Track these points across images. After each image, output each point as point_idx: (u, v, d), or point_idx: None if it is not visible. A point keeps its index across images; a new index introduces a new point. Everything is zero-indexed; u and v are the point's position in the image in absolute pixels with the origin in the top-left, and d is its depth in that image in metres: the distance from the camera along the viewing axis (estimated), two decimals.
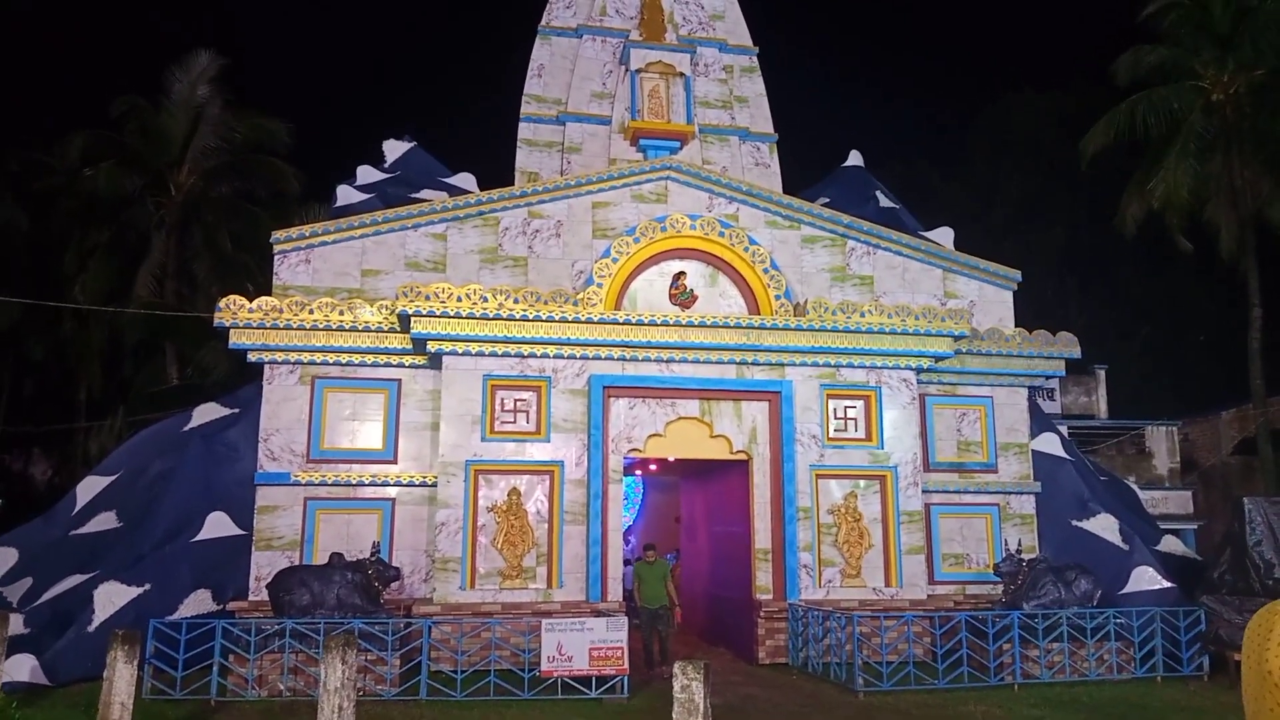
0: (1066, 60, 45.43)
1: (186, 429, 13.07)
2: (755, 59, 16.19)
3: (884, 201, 16.15)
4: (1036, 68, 44.01)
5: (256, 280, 20.41)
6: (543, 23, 15.78)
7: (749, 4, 16.59)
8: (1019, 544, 12.20)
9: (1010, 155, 33.58)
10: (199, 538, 11.41)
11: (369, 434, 12.16)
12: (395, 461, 12.13)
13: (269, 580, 10.48)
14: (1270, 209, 19.48)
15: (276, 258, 12.65)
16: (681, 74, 15.12)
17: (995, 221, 31.55)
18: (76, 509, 12.80)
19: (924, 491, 12.78)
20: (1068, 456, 14.07)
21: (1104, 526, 13.02)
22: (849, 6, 57.06)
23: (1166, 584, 12.11)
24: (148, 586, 10.70)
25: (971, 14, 54.54)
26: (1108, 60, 20.97)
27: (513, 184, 14.23)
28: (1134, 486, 16.43)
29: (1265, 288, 20.01)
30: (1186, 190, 19.28)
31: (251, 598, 11.26)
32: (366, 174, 14.94)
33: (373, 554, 10.70)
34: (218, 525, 11.56)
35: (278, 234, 12.76)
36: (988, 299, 14.21)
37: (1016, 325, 14.02)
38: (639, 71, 15.04)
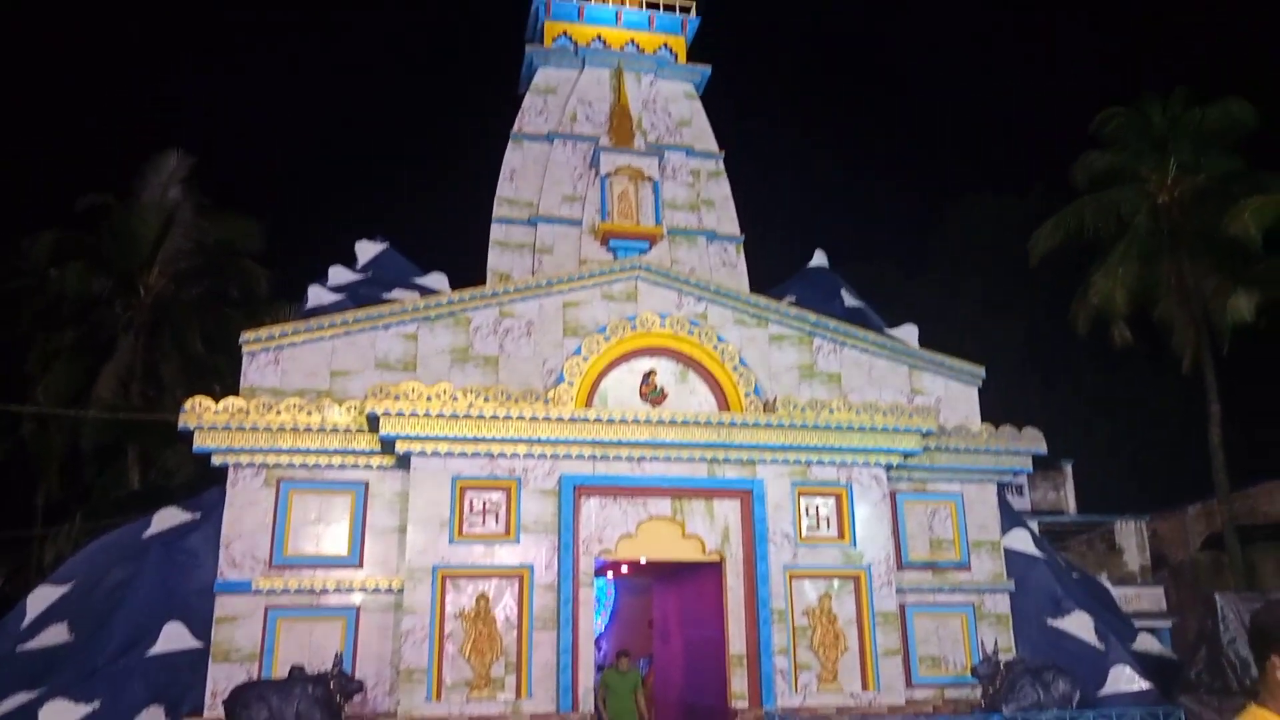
0: (1025, 165, 47.30)
1: (146, 535, 12.69)
2: (721, 163, 16.69)
3: (849, 300, 16.47)
4: (996, 172, 45.77)
5: (225, 381, 20.22)
6: (515, 129, 16.21)
7: (715, 110, 17.21)
8: (995, 644, 12.06)
9: (971, 255, 34.61)
10: (154, 651, 10.96)
11: (334, 538, 11.89)
12: (361, 566, 11.83)
13: (226, 696, 10.06)
14: (1220, 308, 20.12)
15: (245, 358, 12.57)
16: (650, 178, 15.53)
17: (957, 319, 32.26)
18: (26, 621, 12.27)
19: (898, 591, 12.66)
20: (1039, 554, 14.06)
21: (1079, 625, 12.93)
22: (812, 111, 59.33)
23: (1145, 685, 11.98)
24: (97, 704, 10.21)
25: (933, 119, 56.91)
26: (1064, 166, 21.96)
27: (484, 284, 14.36)
28: (1106, 584, 16.41)
29: (1222, 383, 20.50)
30: (1128, 290, 19.97)
31: (208, 714, 10.76)
32: (338, 275, 15.01)
33: (335, 666, 10.34)
34: (175, 637, 11.12)
35: (247, 334, 12.70)
36: (954, 395, 14.39)
37: (983, 421, 14.17)
38: (609, 175, 15.42)
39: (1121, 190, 20.86)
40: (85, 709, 10.10)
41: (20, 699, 10.64)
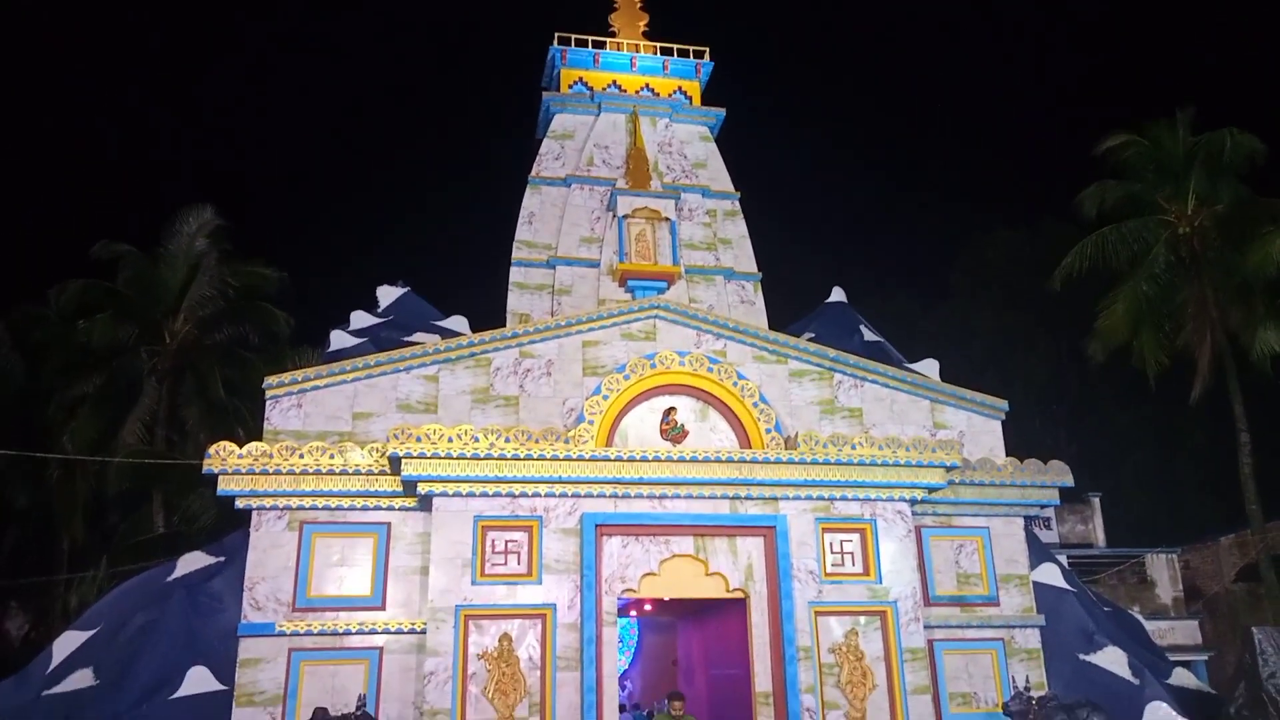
0: (1038, 198, 47.34)
1: (170, 579, 12.74)
2: (737, 203, 16.84)
3: (868, 335, 16.46)
4: (1010, 204, 45.81)
5: (248, 425, 20.41)
6: (533, 173, 16.45)
7: (731, 151, 17.42)
8: (1027, 681, 11.82)
9: (988, 289, 34.52)
10: (178, 694, 10.94)
11: (357, 580, 11.89)
12: (384, 608, 11.82)
13: None
14: (1246, 336, 19.93)
15: (268, 402, 12.70)
16: (667, 218, 15.68)
17: (977, 353, 32.11)
18: (52, 667, 12.30)
19: (926, 627, 12.47)
20: (1069, 587, 13.83)
21: (1113, 660, 12.67)
22: (827, 149, 59.80)
23: None
24: None
25: (947, 154, 57.18)
26: (1071, 197, 21.90)
27: (504, 325, 14.48)
28: (1139, 617, 16.08)
29: (1250, 412, 20.24)
30: (1150, 320, 19.79)
31: None
32: (360, 319, 15.20)
33: (358, 708, 10.27)
34: (198, 681, 11.11)
35: (270, 379, 12.85)
36: (976, 429, 14.29)
37: (1007, 455, 14.04)
38: (626, 217, 15.59)
39: (1142, 221, 20.78)
40: None
41: None
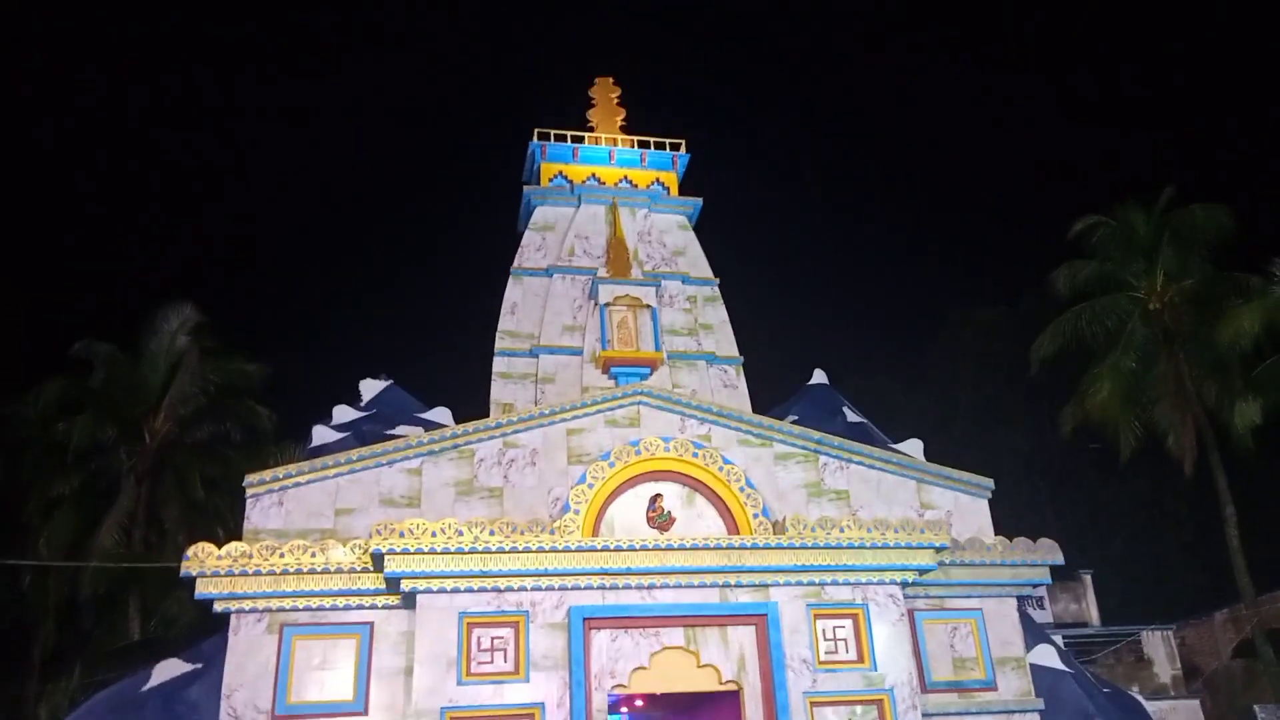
0: (1012, 276, 48.30)
1: (145, 689, 12.29)
2: (717, 289, 17.07)
3: (851, 416, 16.51)
4: (986, 282, 46.65)
5: (227, 524, 20.08)
6: (515, 264, 16.66)
7: (709, 238, 17.74)
8: None
9: (967, 367, 34.86)
10: None
11: (339, 683, 11.54)
12: (366, 713, 11.44)
13: None
14: (1226, 411, 20.13)
15: (249, 501, 12.51)
16: (648, 305, 15.86)
17: (958, 431, 32.25)
18: None
19: (924, 715, 12.19)
20: (1067, 669, 13.62)
21: None
22: (806, 233, 60.98)
23: None
24: None
25: (923, 234, 58.39)
26: (1048, 273, 22.36)
27: (488, 416, 14.45)
28: (1139, 697, 15.79)
29: (1234, 484, 20.31)
30: (1126, 396, 20.01)
31: None
32: (342, 413, 15.12)
33: None
34: None
35: (250, 477, 12.69)
36: (964, 508, 14.25)
37: (996, 533, 13.98)
38: (608, 305, 15.75)
39: (1113, 298, 21.23)
40: None
41: None
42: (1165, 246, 20.75)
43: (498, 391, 15.32)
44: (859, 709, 11.95)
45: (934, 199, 60.39)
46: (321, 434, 14.36)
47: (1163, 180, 21.69)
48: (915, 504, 14.07)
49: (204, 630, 14.38)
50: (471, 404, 15.94)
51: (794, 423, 14.83)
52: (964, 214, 57.70)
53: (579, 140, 18.21)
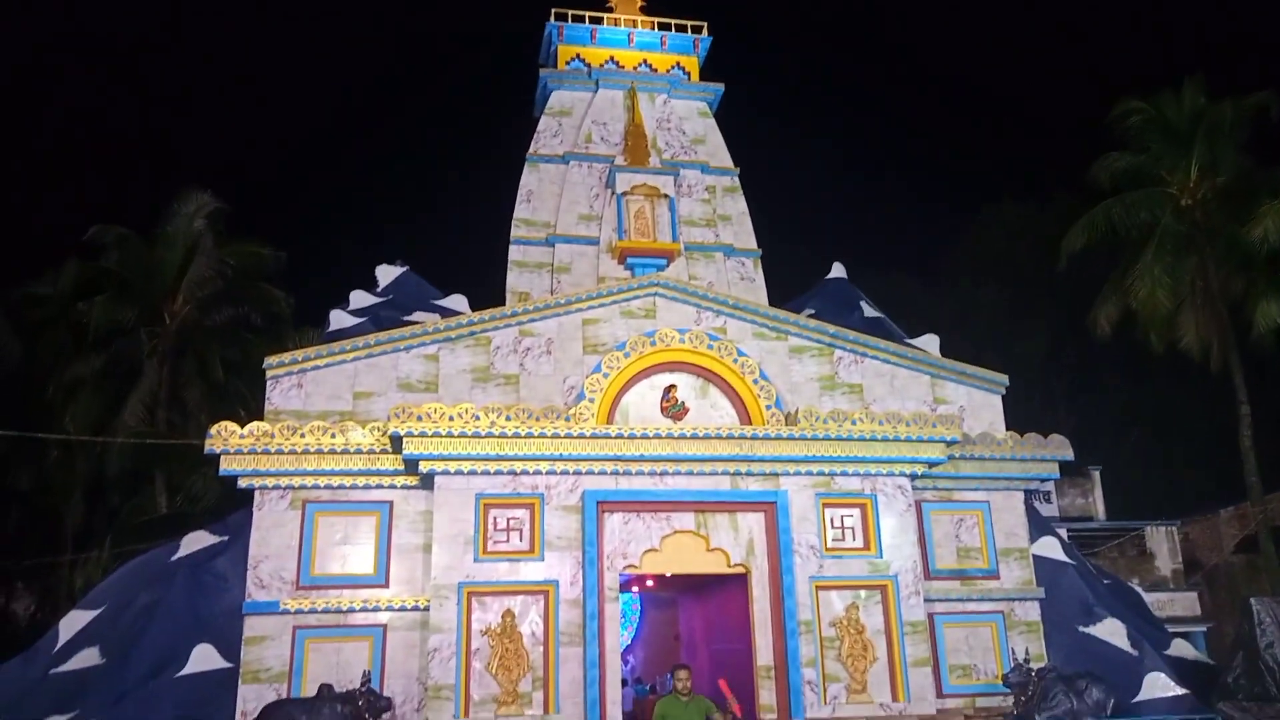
0: (1044, 172, 47.14)
1: (174, 559, 12.81)
2: (736, 179, 16.77)
3: (868, 311, 16.45)
4: (1015, 179, 45.56)
5: (249, 406, 20.43)
6: (531, 151, 16.37)
7: (730, 126, 17.32)
8: (1027, 653, 11.93)
9: (989, 264, 34.41)
10: (184, 672, 11.04)
11: (360, 558, 11.97)
12: (387, 585, 11.90)
13: (255, 715, 10.11)
14: (1248, 309, 19.90)
15: (269, 382, 12.72)
16: (666, 195, 15.62)
17: (977, 330, 32.05)
18: (58, 646, 12.40)
19: (926, 600, 12.56)
20: (1069, 560, 13.91)
21: (1112, 632, 12.76)
22: (828, 124, 59.46)
23: (1181, 690, 11.78)
24: None
25: (953, 128, 56.85)
26: (1083, 171, 21.79)
27: (504, 304, 14.48)
28: (1138, 589, 16.18)
29: (1251, 385, 20.25)
30: (1157, 294, 19.74)
31: None
32: (359, 298, 15.19)
33: (363, 684, 10.38)
34: (204, 659, 11.20)
35: (270, 359, 12.87)
36: (977, 404, 14.32)
37: (1007, 429, 14.08)
38: (625, 194, 15.53)
39: (1145, 193, 20.70)
40: None
41: None
42: (1200, 140, 20.10)
43: (513, 280, 15.29)
44: (863, 594, 12.30)
45: (964, 92, 58.51)
46: (339, 319, 14.46)
47: (1203, 69, 20.85)
48: (929, 399, 14.14)
49: (229, 506, 14.86)
50: (487, 292, 15.96)
51: (810, 316, 14.80)
52: (995, 109, 55.93)
53: (597, 21, 17.62)
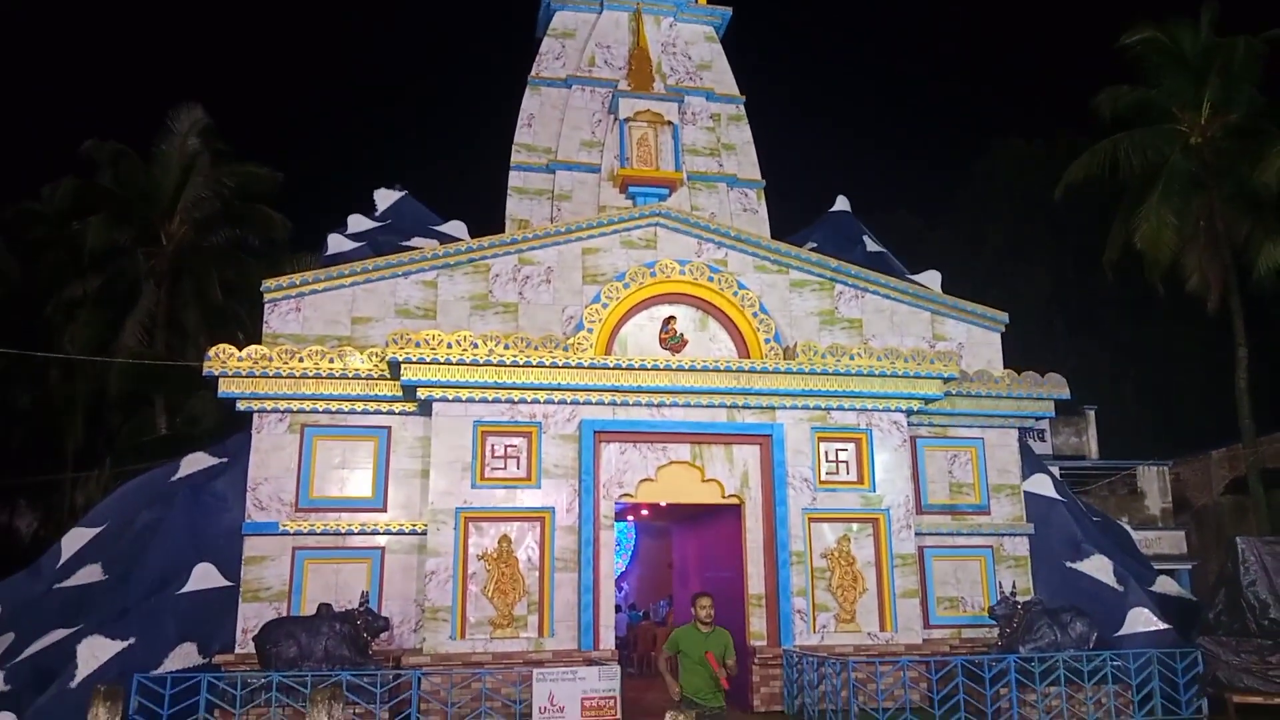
0: (1051, 108, 46.24)
1: (174, 479, 12.94)
2: (742, 107, 16.45)
3: (871, 246, 16.31)
4: (1022, 116, 44.79)
5: (247, 329, 20.43)
6: (532, 73, 16.03)
7: (736, 54, 16.92)
8: (1013, 586, 12.13)
9: (995, 202, 34.07)
10: (185, 590, 11.24)
11: (358, 482, 12.07)
12: (385, 509, 12.03)
13: (256, 633, 10.32)
14: (1251, 252, 19.72)
15: (267, 306, 12.66)
16: (670, 122, 15.34)
17: (981, 267, 31.89)
18: (61, 561, 12.61)
19: (917, 534, 12.72)
20: (1060, 498, 14.06)
21: (1098, 568, 12.96)
22: (834, 57, 58.22)
23: (1162, 626, 12.02)
24: (132, 640, 10.50)
25: (957, 63, 55.67)
26: (1095, 106, 21.27)
27: (503, 231, 14.34)
28: (1127, 527, 16.40)
29: (1250, 328, 20.20)
30: (1163, 234, 19.49)
31: (238, 650, 11.07)
32: (357, 223, 15.03)
33: (361, 604, 10.56)
34: (205, 577, 11.39)
35: (268, 282, 12.79)
36: (976, 341, 14.30)
37: (1005, 367, 14.09)
38: (628, 120, 15.25)
39: (1155, 129, 20.24)
40: (120, 645, 10.39)
41: (58, 635, 10.98)
42: (1214, 75, 19.57)
43: (513, 207, 15.11)
44: (854, 526, 12.46)
45: (974, 23, 57.06)
46: (337, 242, 14.33)
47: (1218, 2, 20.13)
48: (928, 335, 14.11)
49: (228, 428, 14.95)
50: (487, 218, 15.80)
51: (812, 250, 14.68)
52: (1004, 43, 54.67)
53: None
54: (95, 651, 10.29)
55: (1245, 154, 19.33)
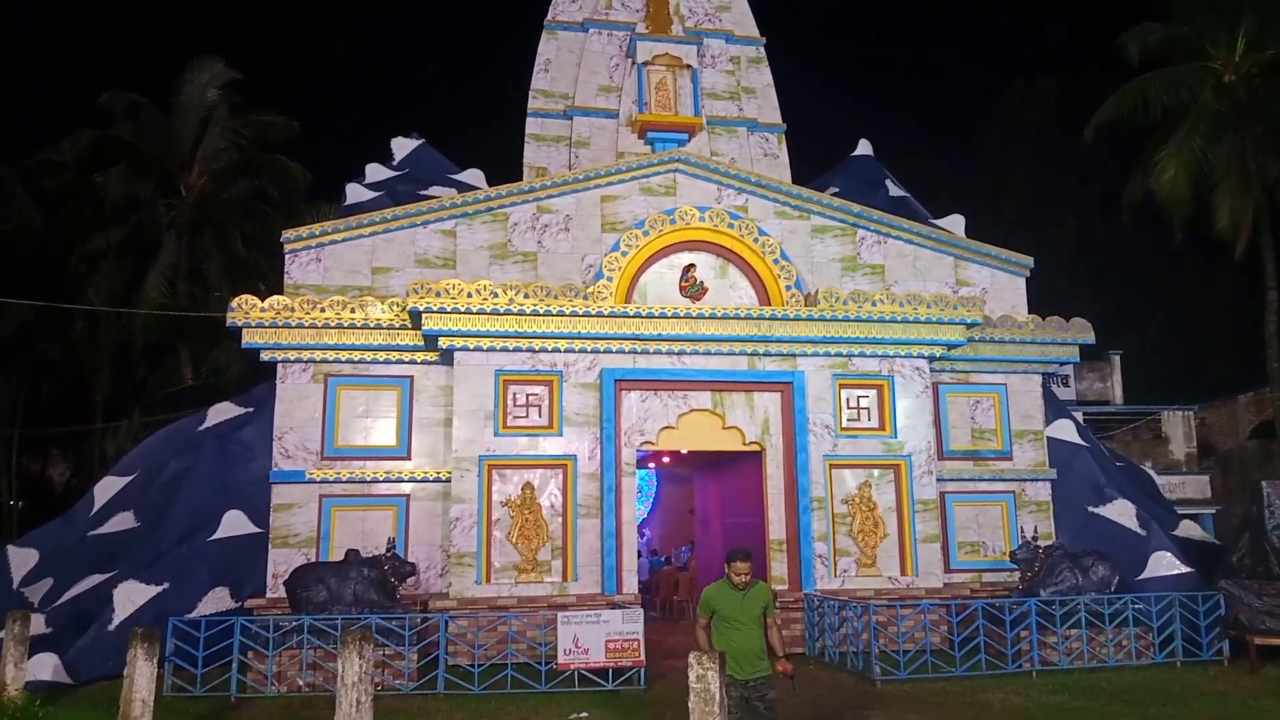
0: (1079, 48, 45.01)
1: (201, 429, 13.14)
2: (762, 50, 16.14)
3: (894, 190, 16.08)
4: (1048, 56, 43.67)
5: (268, 279, 20.52)
6: (549, 17, 15.76)
7: None
8: (1035, 531, 12.16)
9: (1020, 146, 33.35)
10: (216, 536, 11.48)
11: (383, 430, 12.20)
12: (409, 458, 12.17)
13: (286, 578, 10.54)
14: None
15: (287, 256, 12.70)
16: (688, 66, 15.09)
17: (1006, 213, 31.36)
18: (95, 509, 12.90)
19: (938, 480, 12.74)
20: (1083, 443, 14.00)
21: (1121, 512, 12.95)
22: None
23: (1185, 569, 12.04)
24: (166, 585, 10.78)
25: (982, 2, 54.16)
26: (1120, 46, 20.69)
27: (521, 179, 14.24)
28: (1150, 472, 16.34)
29: None
30: (1191, 173, 19.02)
31: (269, 595, 11.33)
32: (375, 172, 14.98)
33: (388, 550, 10.75)
34: (234, 524, 11.63)
35: (288, 233, 12.81)
36: (1000, 286, 14.14)
37: (1030, 313, 13.94)
38: (646, 64, 15.01)
39: (1188, 67, 19.67)
40: (155, 590, 10.67)
41: (94, 580, 11.27)
42: (1249, 10, 18.95)
43: (531, 154, 14.99)
44: (875, 472, 12.48)
45: None
46: (355, 192, 14.31)
47: None
48: (951, 280, 13.96)
49: (253, 378, 15.12)
50: (504, 166, 15.69)
51: (834, 195, 14.49)
52: None
53: None
54: (131, 596, 10.57)
55: (1279, 93, 18.79)
